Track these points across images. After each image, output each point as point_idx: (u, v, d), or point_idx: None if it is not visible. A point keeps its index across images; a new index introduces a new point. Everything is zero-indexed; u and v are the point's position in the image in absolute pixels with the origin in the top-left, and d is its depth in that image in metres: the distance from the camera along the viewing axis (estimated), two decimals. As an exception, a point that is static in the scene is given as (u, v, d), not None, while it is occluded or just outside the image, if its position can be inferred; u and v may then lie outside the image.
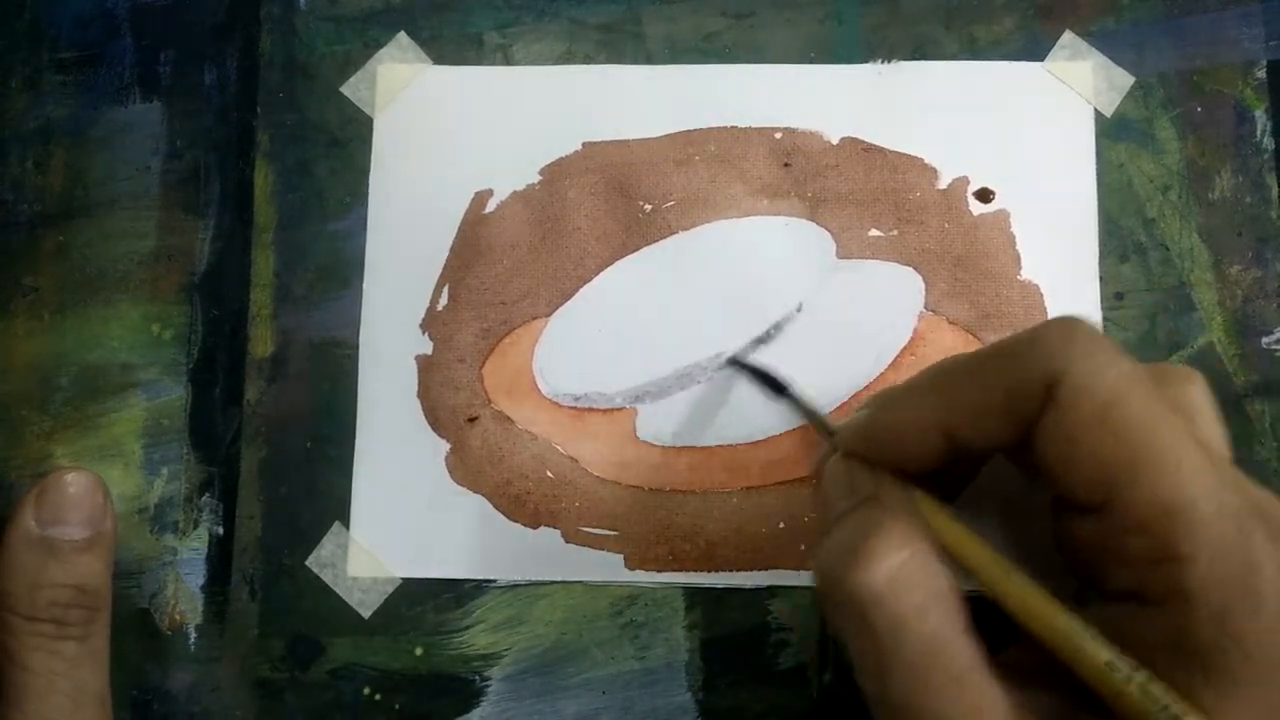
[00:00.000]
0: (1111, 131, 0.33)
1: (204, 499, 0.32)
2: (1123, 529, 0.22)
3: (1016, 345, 0.24)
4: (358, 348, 0.33)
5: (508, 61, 0.34)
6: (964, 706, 0.22)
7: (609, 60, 0.34)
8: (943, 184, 0.33)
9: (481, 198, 0.33)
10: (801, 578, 0.31)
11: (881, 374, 0.32)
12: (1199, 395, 0.25)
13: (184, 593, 0.32)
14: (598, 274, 0.33)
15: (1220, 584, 0.21)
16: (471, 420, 0.32)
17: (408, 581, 0.32)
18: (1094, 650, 0.22)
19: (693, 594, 0.31)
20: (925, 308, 0.32)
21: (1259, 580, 0.21)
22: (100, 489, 0.29)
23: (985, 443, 0.24)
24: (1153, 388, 0.23)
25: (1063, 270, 0.32)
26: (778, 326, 0.32)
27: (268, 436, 0.32)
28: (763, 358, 0.32)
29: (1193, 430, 0.23)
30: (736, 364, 0.32)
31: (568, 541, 0.32)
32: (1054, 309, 0.32)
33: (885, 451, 0.26)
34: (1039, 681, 0.24)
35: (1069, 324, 0.23)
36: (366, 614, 0.31)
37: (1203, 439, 0.23)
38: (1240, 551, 0.21)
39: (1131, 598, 0.22)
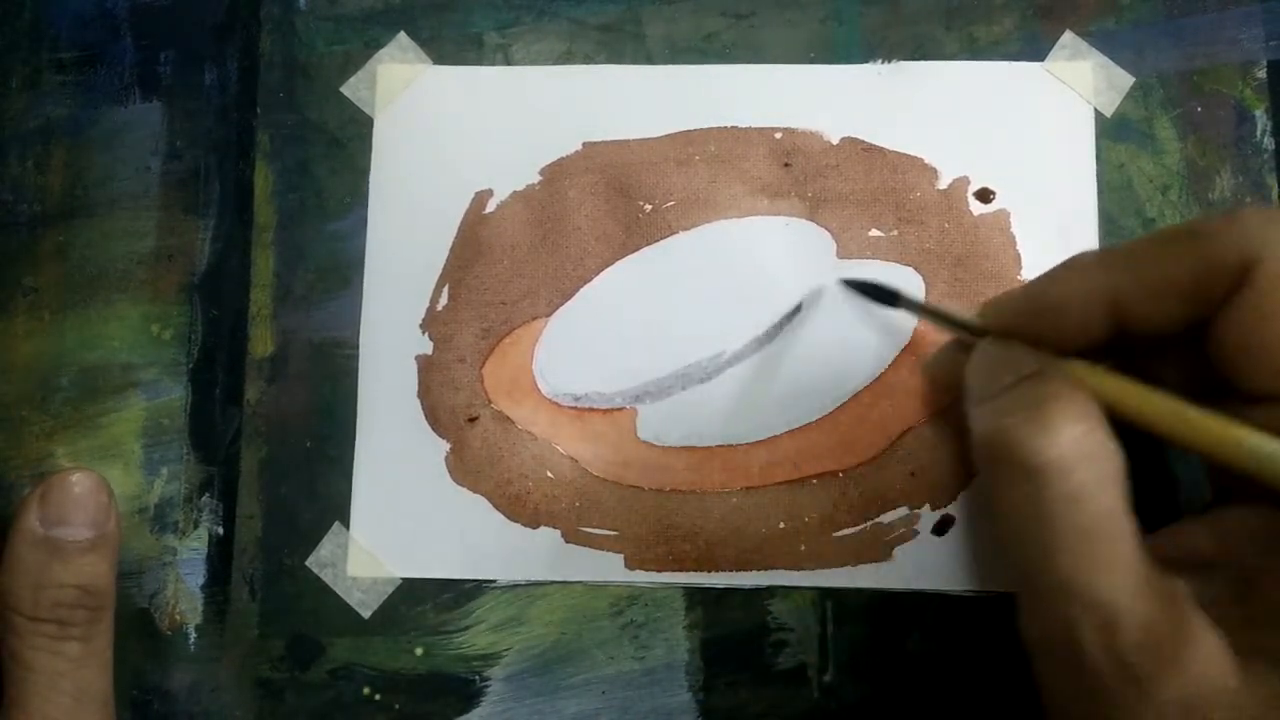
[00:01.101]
0: (1111, 131, 0.33)
1: (204, 499, 0.32)
2: None
3: (1210, 225, 0.23)
4: (358, 348, 0.33)
5: (508, 61, 0.34)
6: (1132, 587, 0.22)
7: (609, 60, 0.34)
8: (943, 184, 0.33)
9: (481, 198, 0.33)
10: (802, 577, 0.31)
11: (882, 374, 0.32)
12: None
13: (184, 593, 0.32)
14: (598, 274, 0.33)
15: None
16: (471, 420, 0.32)
17: (408, 581, 0.32)
18: None
19: (693, 594, 0.31)
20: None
21: None
22: (104, 489, 0.29)
23: (1157, 324, 0.24)
24: None
25: (1063, 270, 0.32)
26: (778, 326, 0.32)
27: (268, 436, 0.32)
28: (763, 358, 0.32)
29: None
30: (846, 284, 0.31)
31: (568, 541, 0.32)
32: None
33: (1041, 330, 0.25)
34: (1184, 569, 0.23)
35: (1267, 210, 0.23)
36: (366, 614, 0.32)
37: None
38: None
39: None
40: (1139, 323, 0.24)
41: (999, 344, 0.26)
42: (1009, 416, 0.23)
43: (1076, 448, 0.22)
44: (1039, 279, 0.26)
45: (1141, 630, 0.21)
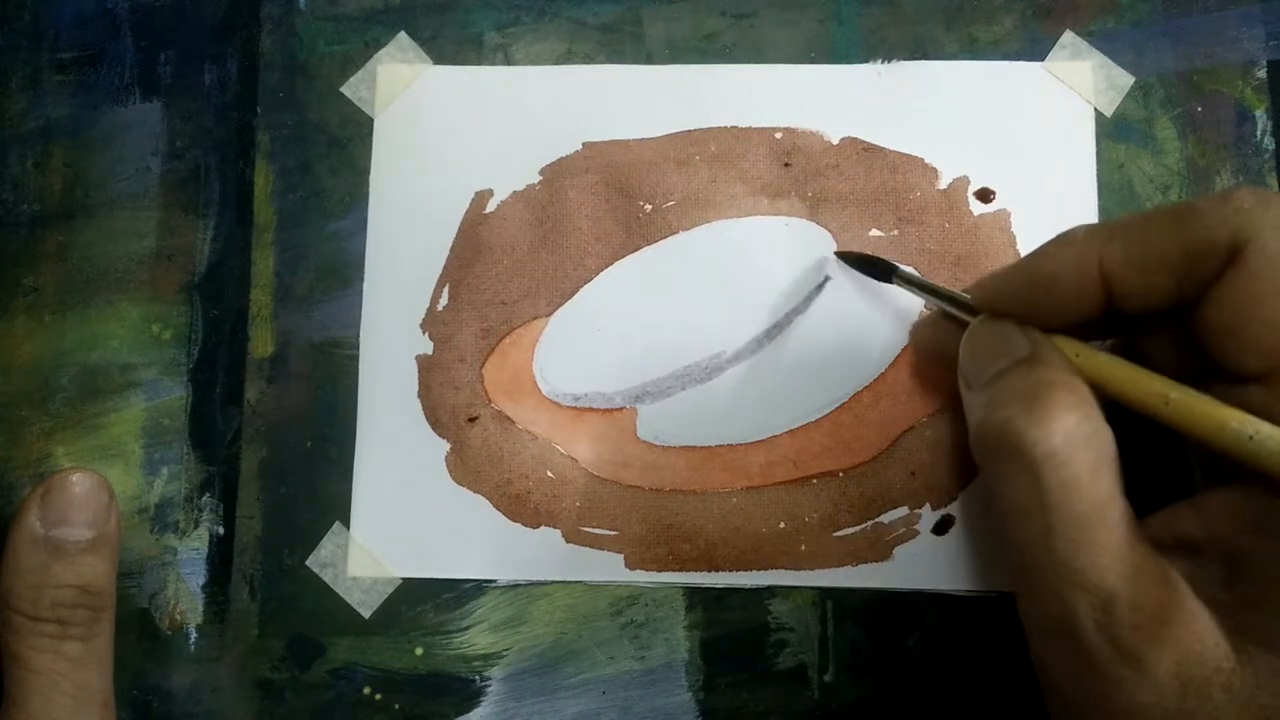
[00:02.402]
0: (1111, 131, 0.33)
1: (204, 499, 0.32)
2: None
3: (1203, 203, 0.24)
4: (358, 348, 0.33)
5: (508, 61, 0.34)
6: (1126, 569, 0.22)
7: (609, 60, 0.34)
8: (943, 184, 0.33)
9: (481, 198, 0.33)
10: (801, 577, 0.31)
11: (882, 374, 0.32)
12: None
13: (184, 593, 0.32)
14: (598, 274, 0.33)
15: None
16: (471, 420, 0.32)
17: (408, 581, 0.32)
18: None
19: (693, 594, 0.31)
20: (926, 308, 0.32)
21: None
22: (105, 489, 0.29)
23: (1148, 299, 0.24)
24: None
25: (1063, 270, 0.32)
26: (778, 326, 0.32)
27: (268, 436, 0.32)
28: (763, 357, 0.32)
29: None
30: (840, 256, 0.32)
31: (568, 541, 0.32)
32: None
33: (1033, 305, 0.25)
34: (1175, 554, 0.24)
35: (1261, 191, 0.23)
36: (366, 614, 0.32)
37: None
38: None
39: None
40: (1130, 297, 0.24)
41: (990, 324, 0.26)
42: (1005, 408, 0.24)
43: (1072, 437, 0.23)
44: (1032, 254, 0.26)
45: (1136, 611, 0.22)
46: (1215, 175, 0.33)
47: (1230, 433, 0.23)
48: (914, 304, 0.32)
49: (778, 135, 0.33)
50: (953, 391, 0.31)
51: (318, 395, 0.33)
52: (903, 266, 0.30)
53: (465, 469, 0.32)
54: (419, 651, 0.31)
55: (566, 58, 0.34)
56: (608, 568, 0.31)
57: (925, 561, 0.31)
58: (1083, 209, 0.32)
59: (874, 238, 0.32)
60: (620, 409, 0.32)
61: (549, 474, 0.32)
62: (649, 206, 0.33)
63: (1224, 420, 0.23)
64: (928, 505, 0.31)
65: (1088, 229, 0.25)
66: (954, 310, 0.28)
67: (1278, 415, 0.23)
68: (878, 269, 0.31)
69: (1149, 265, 0.24)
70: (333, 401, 0.32)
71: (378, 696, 0.31)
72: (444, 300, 0.33)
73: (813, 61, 0.33)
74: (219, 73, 0.34)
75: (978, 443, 0.25)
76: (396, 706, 0.31)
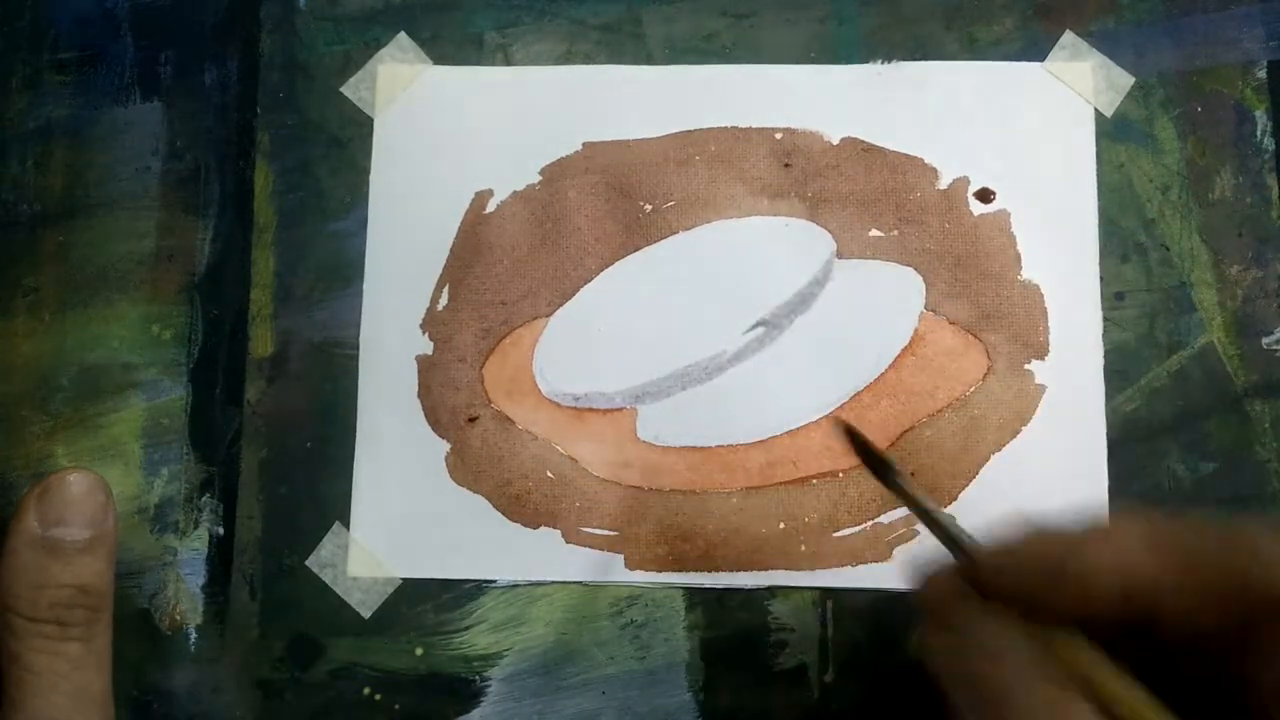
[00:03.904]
0: (1112, 131, 0.33)
1: (204, 499, 0.32)
2: None
3: (1261, 535, 0.20)
4: (358, 348, 0.33)
5: (508, 61, 0.34)
6: None
7: (609, 60, 0.34)
8: (943, 184, 0.33)
9: (482, 198, 0.33)
10: (801, 577, 0.31)
11: (882, 374, 0.32)
12: None
13: (184, 593, 0.32)
14: (598, 274, 0.33)
15: None
16: (471, 420, 0.32)
17: (408, 581, 0.32)
18: None
19: (693, 594, 0.31)
20: (926, 308, 0.32)
21: None
22: (102, 489, 0.29)
23: (1175, 626, 0.20)
24: None
25: (1063, 270, 0.32)
26: (779, 326, 0.32)
27: (268, 436, 0.32)
28: (763, 357, 0.32)
29: None
30: (845, 429, 0.28)
31: (568, 541, 0.32)
32: (1054, 309, 0.32)
33: (1049, 597, 0.21)
34: None
35: None
36: (366, 614, 0.32)
37: None
38: None
39: None
40: (1158, 618, 0.20)
41: (992, 619, 0.22)
42: None
43: None
44: (1067, 536, 0.22)
45: None
46: (1215, 175, 0.33)
47: None
48: (915, 303, 0.32)
49: (778, 135, 0.33)
50: (953, 397, 0.31)
51: (318, 395, 0.33)
52: (899, 472, 0.27)
53: (465, 469, 0.32)
54: (419, 651, 0.31)
55: (566, 58, 0.34)
56: (608, 568, 0.31)
57: (925, 562, 0.31)
58: (1083, 209, 0.32)
59: (874, 238, 0.32)
60: (620, 409, 0.32)
61: (549, 474, 0.32)
62: (649, 206, 0.33)
63: None
64: (928, 505, 0.31)
65: (1142, 534, 0.21)
66: (948, 546, 0.25)
67: None
68: (875, 464, 0.27)
69: (1196, 592, 0.20)
70: (333, 401, 0.32)
71: (378, 696, 0.31)
72: (444, 300, 0.33)
73: (813, 61, 0.33)
74: (219, 73, 0.34)
75: None
76: (396, 706, 0.31)
